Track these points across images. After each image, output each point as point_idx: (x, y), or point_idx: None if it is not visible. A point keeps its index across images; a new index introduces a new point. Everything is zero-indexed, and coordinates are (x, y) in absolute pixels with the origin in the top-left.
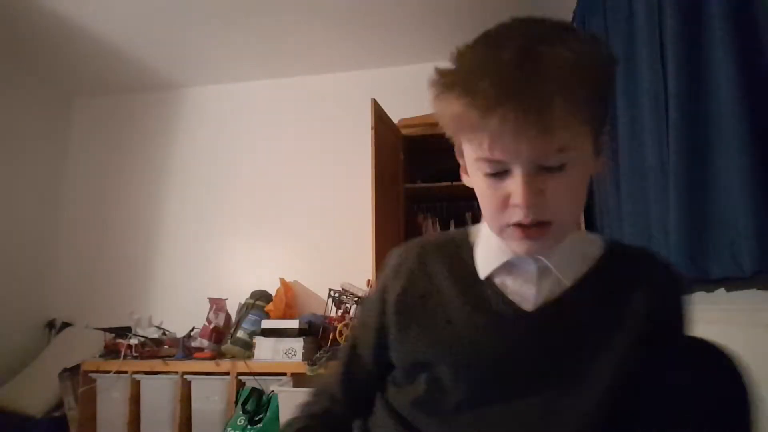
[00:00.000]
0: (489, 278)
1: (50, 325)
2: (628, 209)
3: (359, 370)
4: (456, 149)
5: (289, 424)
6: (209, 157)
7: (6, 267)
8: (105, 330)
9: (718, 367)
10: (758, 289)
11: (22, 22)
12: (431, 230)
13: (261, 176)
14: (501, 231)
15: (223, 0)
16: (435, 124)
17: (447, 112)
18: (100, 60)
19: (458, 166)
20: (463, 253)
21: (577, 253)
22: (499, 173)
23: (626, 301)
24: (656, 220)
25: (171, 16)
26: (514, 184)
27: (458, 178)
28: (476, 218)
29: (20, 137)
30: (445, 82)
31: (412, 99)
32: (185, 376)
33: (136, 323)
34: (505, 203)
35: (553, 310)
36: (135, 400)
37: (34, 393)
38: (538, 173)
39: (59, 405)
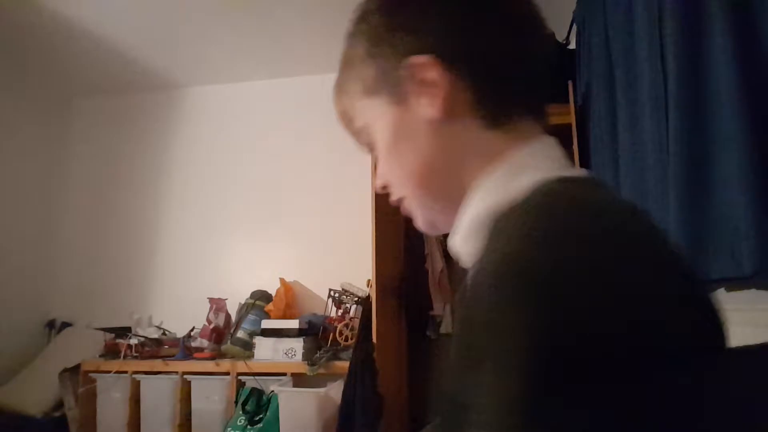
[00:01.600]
0: None
1: (50, 325)
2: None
3: None
4: None
5: None
6: (209, 157)
7: (6, 267)
8: (105, 330)
9: None
10: (758, 289)
11: (22, 23)
12: None
13: (261, 176)
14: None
15: (222, 0)
16: None
17: None
18: (100, 60)
19: None
20: None
21: (473, 232)
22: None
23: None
24: (656, 220)
25: (171, 16)
26: None
27: None
28: None
29: (20, 137)
30: None
31: None
32: (185, 376)
33: (136, 323)
34: None
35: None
36: (135, 400)
37: (34, 393)
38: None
39: (59, 405)
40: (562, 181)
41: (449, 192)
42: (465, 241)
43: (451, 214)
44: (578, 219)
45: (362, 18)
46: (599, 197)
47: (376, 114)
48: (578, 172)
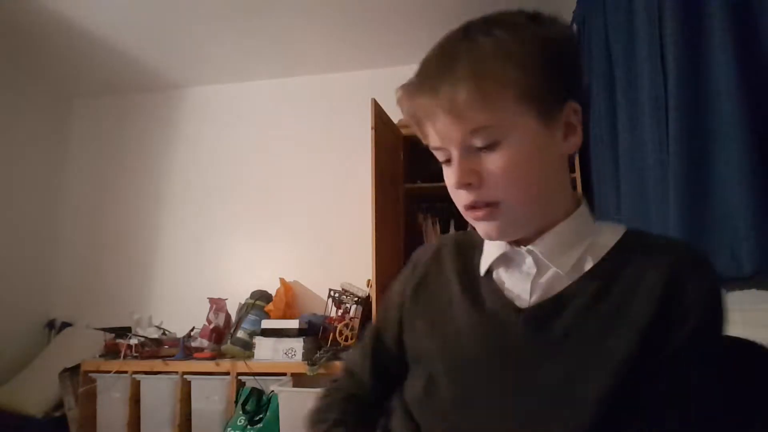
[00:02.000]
0: (490, 276)
1: (50, 325)
2: (627, 209)
3: (385, 354)
4: None
5: (322, 410)
6: (209, 157)
7: (6, 267)
8: (105, 330)
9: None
10: (758, 289)
11: (23, 23)
12: (431, 230)
13: (261, 176)
14: (465, 215)
15: (223, 0)
16: None
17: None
18: (100, 60)
19: None
20: (476, 250)
21: (576, 242)
22: (447, 160)
23: (633, 300)
24: (656, 220)
25: (171, 16)
26: (450, 169)
27: None
28: None
29: (20, 137)
30: (401, 86)
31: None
32: (185, 376)
33: (136, 323)
34: (454, 188)
35: (549, 307)
36: (135, 400)
37: (34, 393)
38: (471, 154)
39: (59, 405)
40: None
41: (545, 212)
42: (560, 250)
43: (530, 228)
44: None
45: (551, 31)
46: None
47: (519, 122)
48: None
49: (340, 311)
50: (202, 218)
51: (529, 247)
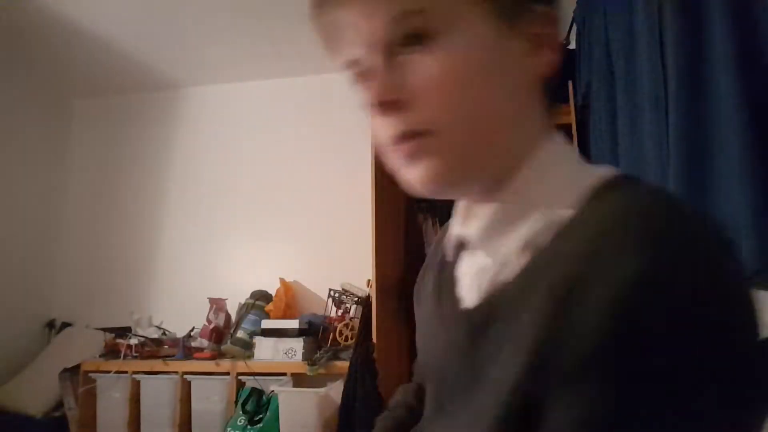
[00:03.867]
0: (455, 266)
1: (50, 325)
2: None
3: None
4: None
5: (399, 393)
6: (209, 157)
7: (6, 267)
8: (105, 330)
9: None
10: (758, 289)
11: (22, 23)
12: (431, 230)
13: (261, 176)
14: (391, 163)
15: (223, 0)
16: None
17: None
18: (100, 60)
19: None
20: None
21: (526, 211)
22: (363, 76)
23: (549, 295)
24: None
25: (171, 16)
26: (367, 85)
27: None
28: None
29: (20, 137)
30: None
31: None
32: (185, 376)
33: (136, 323)
34: (375, 114)
35: (488, 307)
36: (135, 400)
37: (34, 393)
38: (396, 63)
39: (59, 405)
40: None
41: (500, 157)
42: (499, 226)
43: (479, 182)
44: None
45: None
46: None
47: (465, 14)
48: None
49: (340, 311)
50: (202, 218)
51: (461, 229)
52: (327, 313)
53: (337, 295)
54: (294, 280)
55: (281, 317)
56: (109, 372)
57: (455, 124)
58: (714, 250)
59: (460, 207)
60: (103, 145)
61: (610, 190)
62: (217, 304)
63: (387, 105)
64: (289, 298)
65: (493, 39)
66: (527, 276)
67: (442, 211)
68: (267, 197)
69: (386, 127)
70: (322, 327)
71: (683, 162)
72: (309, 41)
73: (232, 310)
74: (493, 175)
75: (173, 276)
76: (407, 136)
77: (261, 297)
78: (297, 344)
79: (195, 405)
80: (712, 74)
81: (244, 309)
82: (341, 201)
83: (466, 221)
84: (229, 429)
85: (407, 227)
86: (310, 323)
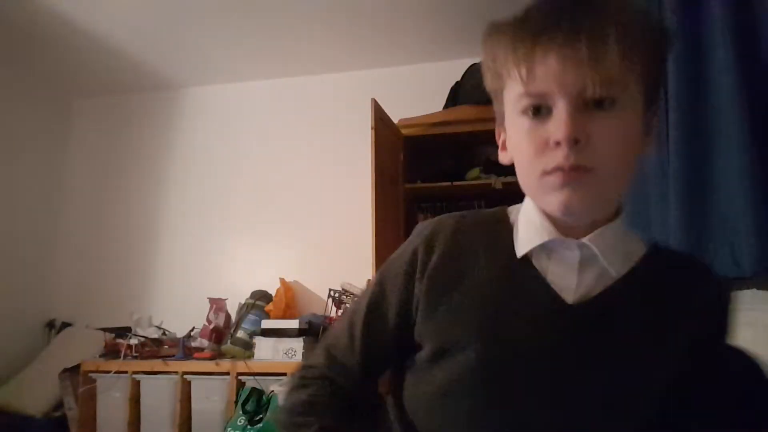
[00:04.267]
0: (528, 261)
1: (50, 325)
2: (628, 209)
3: (379, 341)
4: (497, 116)
5: (302, 410)
6: (209, 157)
7: (6, 267)
8: (105, 330)
9: (755, 376)
10: (758, 289)
11: (22, 23)
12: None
13: (261, 176)
14: (539, 185)
15: (223, 0)
16: (435, 124)
17: (494, 51)
18: (100, 60)
19: (458, 165)
20: (503, 231)
21: (621, 245)
22: (539, 114)
23: (674, 308)
24: (656, 220)
25: (171, 16)
26: (556, 120)
27: (458, 177)
28: None
29: (20, 137)
30: (499, 22)
31: (412, 99)
32: (185, 376)
33: (136, 323)
34: (544, 146)
35: (596, 305)
36: (135, 400)
37: (34, 393)
38: (583, 111)
39: (59, 405)
40: None
41: (614, 198)
42: (612, 249)
43: (599, 215)
44: None
45: (668, 30)
46: None
47: (634, 95)
48: None
49: (340, 311)
50: (202, 218)
51: (585, 239)
52: (327, 313)
53: (337, 295)
54: (294, 280)
55: (281, 317)
56: (109, 372)
57: (611, 169)
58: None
59: (545, 224)
60: (103, 145)
61: (655, 242)
62: (217, 304)
63: (571, 141)
64: (289, 298)
65: (641, 117)
66: (631, 281)
67: (442, 212)
68: (267, 197)
69: (556, 157)
70: (322, 327)
71: (683, 162)
72: (309, 41)
73: (232, 310)
74: (601, 216)
75: (173, 276)
76: (577, 168)
77: (261, 297)
78: (297, 344)
79: (195, 405)
80: (712, 74)
81: (244, 309)
82: (341, 201)
83: (565, 238)
84: (229, 429)
85: (407, 227)
86: (310, 323)
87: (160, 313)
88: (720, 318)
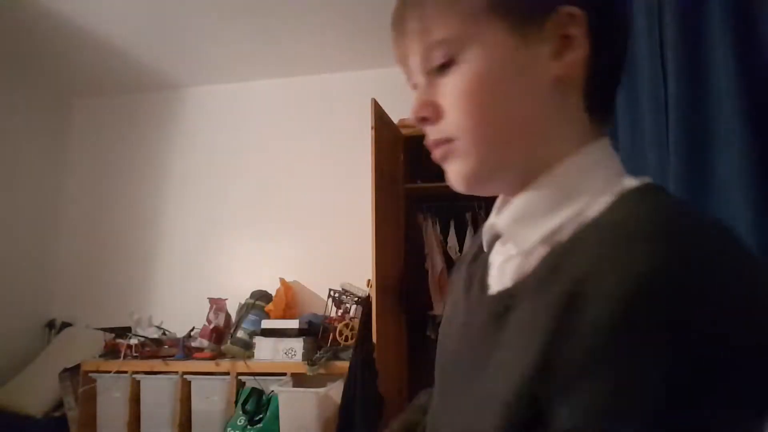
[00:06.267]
0: (488, 255)
1: (50, 325)
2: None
3: None
4: None
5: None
6: (209, 157)
7: (6, 267)
8: (105, 330)
9: None
10: None
11: (22, 23)
12: (431, 230)
13: (261, 176)
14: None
15: (223, 0)
16: None
17: None
18: (100, 60)
19: None
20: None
21: (555, 207)
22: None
23: (554, 307)
24: None
25: (171, 16)
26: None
27: None
28: (476, 218)
29: (20, 137)
30: None
31: (412, 99)
32: (185, 376)
33: (136, 323)
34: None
35: (504, 296)
36: (135, 400)
37: (34, 393)
38: (433, 83)
39: (59, 405)
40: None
41: (525, 157)
42: (527, 219)
43: (508, 180)
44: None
45: None
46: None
47: (487, 36)
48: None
49: (340, 311)
50: (202, 218)
51: (492, 216)
52: (327, 313)
53: (337, 295)
54: (294, 280)
55: (281, 317)
56: (109, 372)
57: (474, 130)
58: (725, 257)
59: (498, 200)
60: (103, 144)
61: (636, 196)
62: (217, 304)
63: (421, 120)
64: (289, 298)
65: (512, 49)
66: (544, 267)
67: (442, 212)
68: (267, 197)
69: (427, 137)
70: (322, 327)
71: (683, 162)
72: (309, 41)
73: (232, 310)
74: (522, 172)
75: (173, 276)
76: (438, 143)
77: (261, 297)
78: (297, 344)
79: (195, 405)
80: (712, 74)
81: (244, 309)
82: (341, 201)
83: (500, 212)
84: (229, 429)
85: (407, 227)
86: (310, 323)
87: (160, 313)
88: (592, 342)
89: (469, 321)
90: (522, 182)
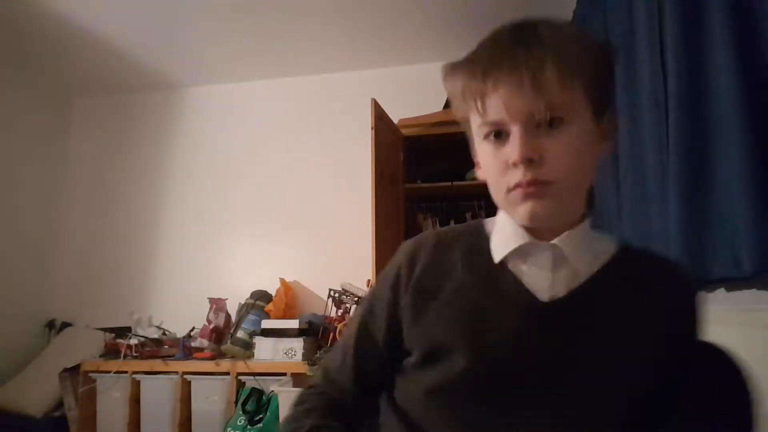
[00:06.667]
0: (505, 266)
1: (50, 325)
2: (628, 209)
3: (371, 357)
4: (470, 139)
5: (298, 418)
6: (209, 157)
7: (6, 267)
8: (105, 330)
9: (727, 369)
10: (758, 289)
11: (22, 23)
12: (431, 230)
13: (261, 176)
14: (505, 200)
15: (222, 0)
16: (435, 124)
17: (454, 89)
18: (100, 60)
19: (458, 166)
20: (480, 240)
21: (589, 245)
22: (500, 138)
23: (646, 304)
24: (656, 220)
25: (171, 16)
26: (512, 144)
27: (458, 177)
28: (476, 218)
29: (20, 137)
30: (453, 64)
31: (412, 99)
32: (185, 376)
33: (136, 323)
34: (506, 166)
35: (569, 303)
36: (135, 400)
37: (34, 393)
38: (534, 133)
39: (59, 405)
40: None
41: (576, 204)
42: (581, 249)
43: (564, 216)
44: None
45: (604, 40)
46: None
47: (581, 110)
48: None
49: (340, 311)
50: (202, 218)
51: (554, 241)
52: (327, 313)
53: (337, 295)
54: (294, 280)
55: (281, 317)
56: (109, 372)
57: (567, 180)
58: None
59: (518, 231)
60: (103, 144)
61: (625, 243)
62: (217, 304)
63: (527, 160)
64: (289, 298)
65: (591, 127)
66: (601, 279)
67: (442, 212)
68: (267, 197)
69: (516, 176)
70: (322, 327)
71: (683, 162)
72: (309, 41)
73: (232, 310)
74: (573, 218)
75: (173, 276)
76: (536, 183)
77: (261, 297)
78: (297, 344)
79: (195, 405)
80: (712, 74)
81: (244, 309)
82: (341, 201)
83: (536, 239)
84: (229, 429)
85: (407, 227)
86: (310, 323)
87: (160, 313)
88: (691, 316)
89: (525, 323)
90: (568, 224)
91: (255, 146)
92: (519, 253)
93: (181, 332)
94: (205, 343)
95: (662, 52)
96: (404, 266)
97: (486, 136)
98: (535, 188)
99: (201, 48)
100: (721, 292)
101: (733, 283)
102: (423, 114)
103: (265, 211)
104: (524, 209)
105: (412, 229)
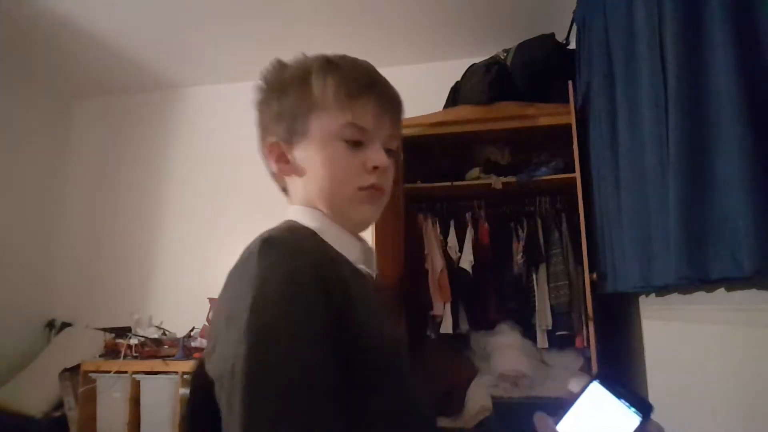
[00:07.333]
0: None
1: (50, 325)
2: (628, 209)
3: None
4: (284, 132)
5: None
6: (209, 156)
7: (6, 267)
8: (105, 330)
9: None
10: (758, 289)
11: (23, 23)
12: (431, 230)
13: (261, 176)
14: (352, 197)
15: (222, 1)
16: (435, 124)
17: (322, 85)
18: (100, 60)
19: (458, 166)
20: (331, 250)
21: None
22: (358, 144)
23: None
24: (656, 220)
25: (171, 16)
26: (374, 152)
27: (458, 177)
28: (476, 218)
29: (20, 137)
30: (328, 65)
31: (413, 99)
32: (185, 376)
33: (136, 323)
34: (361, 168)
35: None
36: (135, 400)
37: (34, 393)
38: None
39: (59, 405)
40: None
41: None
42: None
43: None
44: None
45: None
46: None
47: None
48: None
49: None
50: (202, 218)
51: (364, 240)
52: None
53: None
54: None
55: None
56: (109, 372)
57: (387, 194)
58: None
59: (347, 234)
60: (103, 144)
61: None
62: None
63: (383, 171)
64: None
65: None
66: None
67: (442, 212)
68: (267, 197)
69: (370, 179)
70: None
71: (683, 162)
72: (308, 42)
73: None
74: None
75: (173, 276)
76: (380, 188)
77: None
78: None
79: None
80: (712, 74)
81: None
82: None
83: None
84: None
85: (407, 227)
86: None
87: (160, 313)
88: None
89: (397, 325)
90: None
91: (254, 146)
92: (365, 254)
93: (181, 332)
94: (205, 343)
95: (662, 52)
96: (320, 284)
97: (347, 138)
98: (379, 192)
99: (201, 48)
100: (721, 292)
101: (733, 283)
102: (423, 114)
103: (265, 210)
104: (370, 209)
105: (412, 229)
